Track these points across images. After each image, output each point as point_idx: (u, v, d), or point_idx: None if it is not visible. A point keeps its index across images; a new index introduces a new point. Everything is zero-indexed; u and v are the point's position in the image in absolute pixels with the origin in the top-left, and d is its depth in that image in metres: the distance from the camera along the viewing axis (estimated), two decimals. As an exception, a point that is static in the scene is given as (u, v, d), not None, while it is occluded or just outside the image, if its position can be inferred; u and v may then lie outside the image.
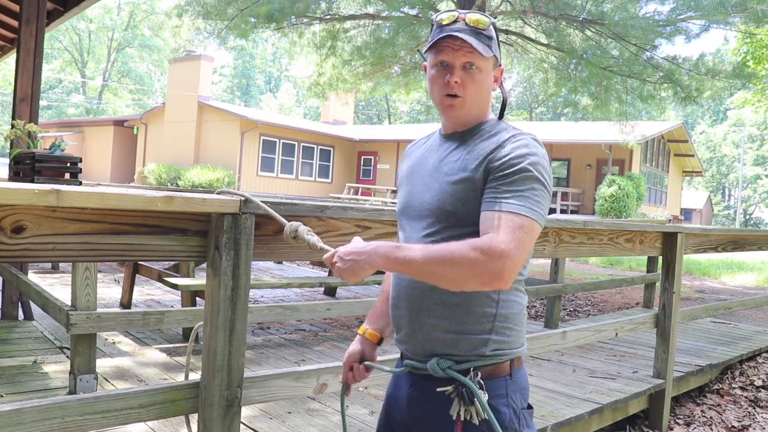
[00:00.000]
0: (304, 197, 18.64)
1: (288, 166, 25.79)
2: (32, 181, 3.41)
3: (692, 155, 29.10)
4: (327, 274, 7.71)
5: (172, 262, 5.64)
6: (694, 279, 12.77)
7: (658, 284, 6.25)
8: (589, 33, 10.97)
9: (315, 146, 26.74)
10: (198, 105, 24.96)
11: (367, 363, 1.58)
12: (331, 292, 6.91)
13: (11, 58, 7.95)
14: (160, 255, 1.78)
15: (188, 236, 1.82)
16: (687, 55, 11.07)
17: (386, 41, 11.65)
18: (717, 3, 9.52)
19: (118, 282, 6.94)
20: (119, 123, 28.53)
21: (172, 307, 5.72)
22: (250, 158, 24.39)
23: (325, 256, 1.38)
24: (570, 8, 10.40)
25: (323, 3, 11.72)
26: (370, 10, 11.88)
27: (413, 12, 11.48)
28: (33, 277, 6.50)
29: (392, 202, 21.18)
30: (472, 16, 1.38)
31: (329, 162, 27.50)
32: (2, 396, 3.14)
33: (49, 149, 3.68)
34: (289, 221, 1.74)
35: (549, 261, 8.06)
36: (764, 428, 3.90)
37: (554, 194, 21.54)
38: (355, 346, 1.61)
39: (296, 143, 25.98)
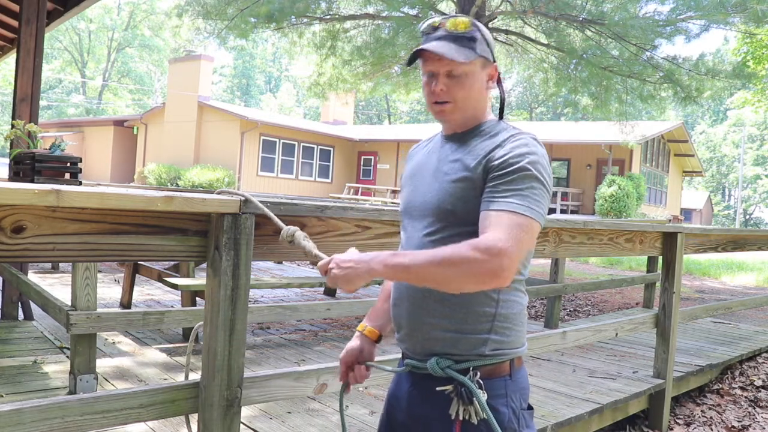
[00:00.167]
0: (304, 197, 18.64)
1: (288, 166, 25.79)
2: (32, 181, 3.42)
3: (692, 155, 29.10)
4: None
5: (172, 262, 5.64)
6: (694, 279, 12.77)
7: (658, 284, 6.25)
8: (589, 33, 10.97)
9: (315, 146, 26.74)
10: (198, 105, 24.96)
11: (368, 363, 1.57)
12: (331, 292, 6.91)
13: (11, 58, 7.95)
14: (160, 255, 1.78)
15: (188, 236, 1.82)
16: (687, 55, 11.08)
17: (386, 41, 11.65)
18: (717, 3, 9.52)
19: (118, 282, 6.94)
20: (119, 123, 28.52)
21: (172, 307, 5.72)
22: (250, 158, 24.39)
23: (320, 263, 1.36)
24: (570, 8, 10.40)
25: (323, 3, 11.72)
26: (370, 10, 11.88)
27: (413, 12, 11.48)
28: (33, 277, 6.50)
29: (392, 202, 21.19)
30: (451, 21, 1.38)
31: (329, 162, 27.50)
32: (2, 396, 3.14)
33: (49, 149, 3.68)
34: (287, 224, 1.74)
35: (549, 261, 8.07)
36: (764, 428, 3.90)
37: (554, 194, 21.54)
38: (354, 342, 1.60)
39: (296, 143, 25.98)
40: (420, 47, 1.38)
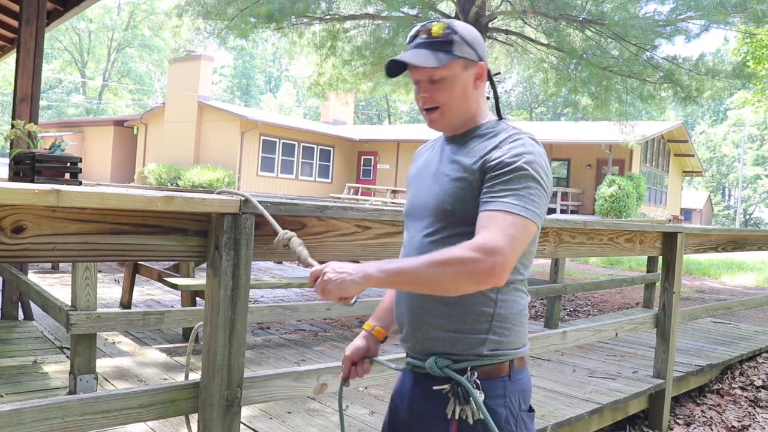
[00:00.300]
0: (304, 197, 18.64)
1: (288, 166, 25.80)
2: (32, 181, 3.42)
3: (692, 155, 29.10)
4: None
5: (172, 262, 5.64)
6: (694, 279, 12.78)
7: (658, 284, 6.25)
8: (589, 33, 10.97)
9: (315, 146, 26.74)
10: (198, 105, 24.97)
11: (375, 359, 1.57)
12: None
13: (11, 58, 7.95)
14: (160, 255, 1.78)
15: (188, 236, 1.82)
16: (687, 55, 11.08)
17: (386, 41, 11.65)
18: (717, 3, 9.52)
19: (118, 282, 6.94)
20: (119, 123, 28.52)
21: (172, 307, 5.72)
22: (250, 158, 24.39)
23: (312, 269, 1.36)
24: (570, 8, 10.40)
25: (323, 3, 11.72)
26: (370, 10, 11.88)
27: (413, 12, 11.48)
28: (33, 277, 6.50)
29: (392, 202, 21.19)
30: (426, 28, 1.40)
31: (329, 162, 27.50)
32: (2, 396, 3.14)
33: (49, 149, 3.68)
34: (288, 224, 1.74)
35: (549, 261, 8.07)
36: (764, 428, 3.90)
37: (554, 194, 21.55)
38: (360, 342, 1.60)
39: (296, 143, 25.98)
40: (391, 58, 1.41)
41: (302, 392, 2.17)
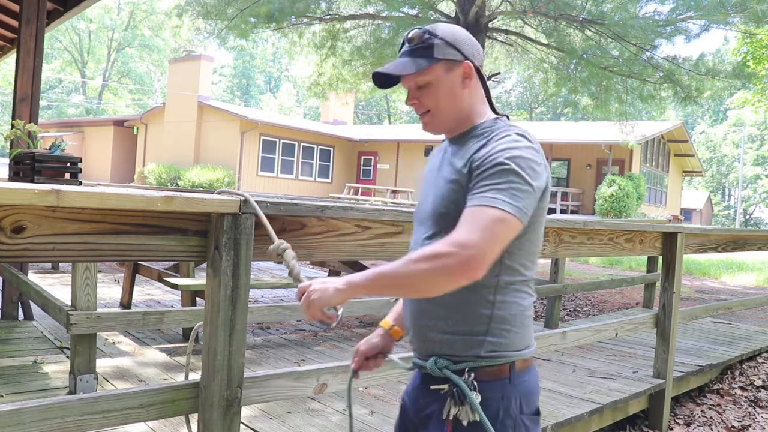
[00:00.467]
0: (304, 197, 18.64)
1: (288, 166, 25.79)
2: (32, 181, 3.42)
3: (692, 155, 29.10)
4: (327, 274, 7.71)
5: (172, 262, 5.64)
6: (694, 279, 12.78)
7: (658, 284, 6.25)
8: (589, 33, 10.97)
9: (315, 146, 26.74)
10: (198, 105, 24.96)
11: (390, 356, 1.58)
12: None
13: (11, 58, 7.95)
14: (160, 255, 1.78)
15: (188, 236, 1.82)
16: (687, 55, 11.07)
17: (386, 41, 11.66)
18: (717, 3, 9.52)
19: (118, 282, 6.94)
20: (119, 123, 28.52)
21: (172, 307, 5.72)
22: (250, 158, 24.39)
23: (300, 284, 1.37)
24: (570, 8, 10.40)
25: (323, 3, 11.72)
26: (370, 10, 11.88)
27: (413, 12, 11.48)
28: (33, 277, 6.50)
29: (392, 202, 21.18)
30: (409, 36, 1.43)
31: (329, 162, 27.50)
32: (2, 396, 3.14)
33: (49, 149, 3.68)
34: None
35: (549, 261, 8.07)
36: (764, 428, 3.90)
37: (554, 194, 21.54)
38: (376, 339, 1.60)
39: (296, 143, 25.98)
40: (374, 71, 1.44)
41: (302, 392, 2.17)
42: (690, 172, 32.07)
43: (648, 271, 7.90)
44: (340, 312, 1.36)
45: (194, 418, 1.88)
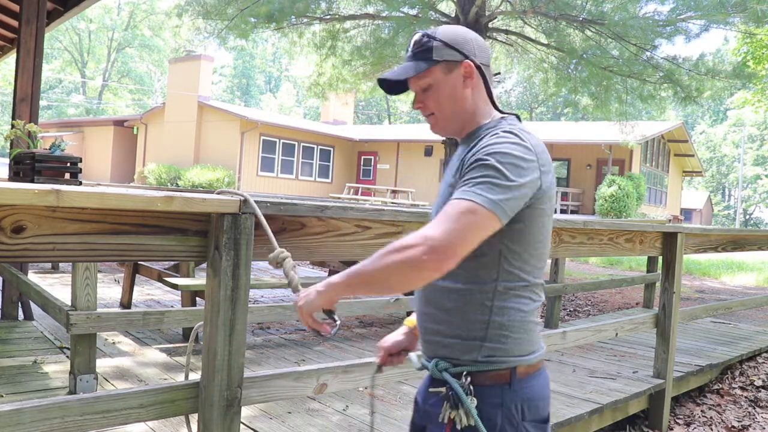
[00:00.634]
0: (304, 197, 18.64)
1: (288, 166, 25.79)
2: (32, 181, 3.42)
3: (692, 155, 29.10)
4: (327, 274, 7.71)
5: (172, 262, 5.64)
6: (694, 279, 12.77)
7: (658, 284, 6.25)
8: (589, 33, 10.97)
9: (315, 146, 26.74)
10: (198, 105, 24.96)
11: (410, 355, 1.57)
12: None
13: (11, 58, 7.95)
14: (160, 255, 1.78)
15: (188, 236, 1.82)
16: (687, 55, 11.07)
17: (386, 41, 11.65)
18: (717, 3, 9.51)
19: (118, 282, 6.94)
20: (119, 123, 28.53)
21: (172, 307, 5.72)
22: (250, 158, 24.39)
23: (299, 294, 1.39)
24: (570, 8, 10.39)
25: (323, 3, 11.72)
26: (370, 10, 11.88)
27: (413, 12, 11.47)
28: (33, 277, 6.50)
29: (392, 202, 21.18)
30: (412, 41, 1.46)
31: (329, 162, 27.50)
32: (2, 396, 3.14)
33: (49, 149, 3.68)
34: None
35: (549, 261, 8.07)
36: (764, 428, 3.90)
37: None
38: (399, 336, 1.60)
39: (296, 143, 25.98)
40: (378, 77, 1.49)
41: (302, 392, 2.17)
42: (690, 172, 32.07)
43: (648, 271, 7.90)
44: (338, 323, 1.38)
45: (194, 418, 1.88)
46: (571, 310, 8.04)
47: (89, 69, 51.93)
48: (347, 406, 3.30)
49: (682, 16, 10.27)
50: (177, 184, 22.37)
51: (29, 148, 3.87)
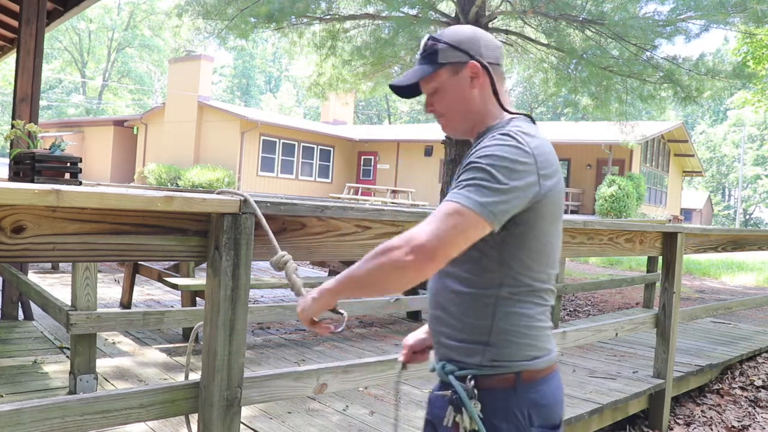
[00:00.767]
0: (304, 197, 18.64)
1: (288, 166, 25.80)
2: (32, 181, 3.42)
3: (692, 155, 29.10)
4: (327, 274, 7.71)
5: (172, 262, 5.64)
6: (694, 279, 12.77)
7: (658, 284, 6.25)
8: (589, 33, 10.97)
9: (315, 146, 26.75)
10: (198, 105, 24.97)
11: (431, 353, 1.57)
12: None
13: (11, 58, 7.95)
14: (160, 255, 1.78)
15: (188, 236, 1.82)
16: (687, 55, 11.06)
17: (386, 41, 11.64)
18: (717, 3, 9.51)
19: (118, 282, 6.94)
20: (119, 123, 28.53)
21: (172, 307, 5.72)
22: (250, 158, 24.39)
23: (300, 299, 1.40)
24: (570, 8, 10.39)
25: (323, 3, 11.72)
26: (370, 10, 11.87)
27: (413, 12, 11.47)
28: (33, 277, 6.50)
29: (392, 202, 21.18)
30: (421, 45, 1.47)
31: (329, 162, 27.50)
32: (2, 396, 3.14)
33: (49, 149, 3.68)
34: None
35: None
36: (764, 428, 3.90)
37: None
38: (422, 335, 1.61)
39: (296, 143, 25.99)
40: (389, 83, 1.50)
41: (302, 392, 2.17)
42: (690, 172, 32.07)
43: (648, 271, 7.90)
44: (344, 316, 1.40)
45: (194, 418, 1.88)
46: (571, 310, 8.04)
47: (89, 69, 51.93)
48: (347, 406, 3.30)
49: (682, 16, 10.27)
50: (177, 184, 22.37)
51: (29, 148, 3.88)
